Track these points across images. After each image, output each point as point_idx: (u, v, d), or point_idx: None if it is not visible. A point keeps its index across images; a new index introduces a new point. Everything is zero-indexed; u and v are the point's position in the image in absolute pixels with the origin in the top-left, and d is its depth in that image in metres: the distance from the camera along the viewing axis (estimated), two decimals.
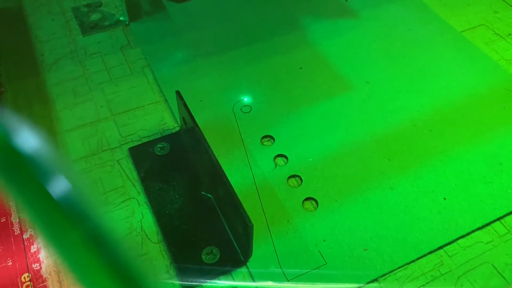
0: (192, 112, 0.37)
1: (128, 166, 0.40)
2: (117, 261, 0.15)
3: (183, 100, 0.38)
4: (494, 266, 0.34)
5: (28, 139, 0.14)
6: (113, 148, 0.41)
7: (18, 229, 0.36)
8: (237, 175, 0.39)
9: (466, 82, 0.47)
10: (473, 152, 0.41)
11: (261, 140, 0.42)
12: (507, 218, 0.37)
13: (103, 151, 0.41)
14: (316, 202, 0.37)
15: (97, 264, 0.15)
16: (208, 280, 0.33)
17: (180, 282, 0.33)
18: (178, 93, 0.38)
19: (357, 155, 0.40)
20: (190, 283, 0.32)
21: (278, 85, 0.46)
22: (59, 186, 0.14)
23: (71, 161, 0.38)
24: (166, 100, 0.45)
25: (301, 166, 0.40)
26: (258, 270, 0.33)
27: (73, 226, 0.14)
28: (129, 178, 0.39)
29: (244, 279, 0.33)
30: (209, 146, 0.35)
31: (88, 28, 0.52)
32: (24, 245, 0.35)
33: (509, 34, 0.52)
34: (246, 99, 0.44)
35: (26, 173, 0.14)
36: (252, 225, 0.31)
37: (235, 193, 0.32)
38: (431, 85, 0.46)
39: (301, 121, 0.43)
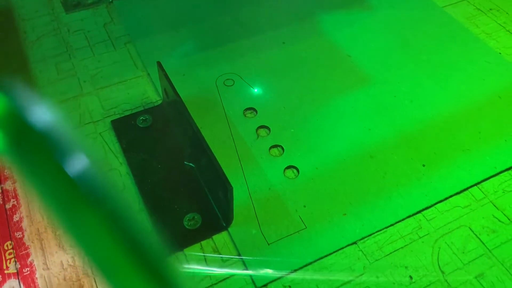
0: (175, 86, 0.37)
1: (110, 138, 0.40)
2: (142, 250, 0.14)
3: (164, 71, 0.38)
4: (471, 229, 0.35)
5: (39, 113, 0.13)
6: (95, 121, 0.41)
7: (1, 199, 0.36)
8: (219, 146, 0.39)
9: (447, 55, 0.47)
10: (452, 121, 0.41)
11: (244, 112, 0.42)
12: (484, 184, 0.37)
13: (85, 124, 0.41)
14: (297, 170, 0.38)
15: (122, 252, 0.14)
16: (189, 245, 0.33)
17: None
18: (159, 64, 0.39)
19: (338, 126, 0.41)
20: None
21: (261, 59, 0.47)
22: (78, 164, 0.13)
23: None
24: (148, 74, 0.45)
25: (283, 136, 0.40)
26: (239, 234, 0.34)
27: (94, 209, 0.13)
28: (111, 150, 0.39)
29: (225, 244, 0.34)
30: (190, 116, 0.35)
31: (71, 6, 0.52)
32: (6, 215, 0.35)
33: (490, 9, 0.53)
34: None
35: (43, 153, 0.13)
36: (232, 188, 0.31)
37: (215, 158, 0.32)
38: (412, 58, 0.47)
39: (283, 94, 0.44)
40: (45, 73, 0.45)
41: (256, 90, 0.43)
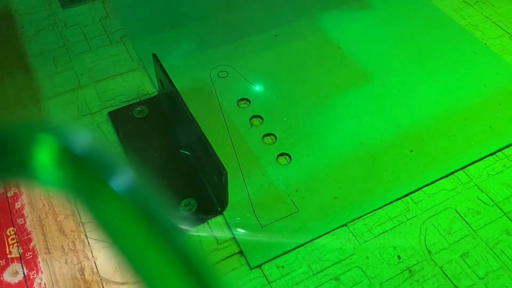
0: (171, 78, 0.38)
1: (108, 129, 0.41)
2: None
3: (160, 62, 0.39)
4: (456, 211, 0.36)
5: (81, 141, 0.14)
6: (93, 113, 0.42)
7: (2, 188, 0.37)
8: (214, 135, 0.40)
9: (434, 46, 0.49)
10: (440, 109, 0.43)
11: (237, 103, 0.43)
12: (469, 168, 0.39)
13: (83, 115, 0.42)
14: (290, 157, 0.39)
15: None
16: (186, 228, 0.34)
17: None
18: (154, 55, 0.40)
19: (328, 115, 0.42)
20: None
21: (254, 52, 0.48)
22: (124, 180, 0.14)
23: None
24: (144, 67, 0.46)
25: (276, 125, 0.42)
26: (233, 218, 0.35)
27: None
28: (109, 140, 0.40)
29: (220, 227, 0.35)
30: (185, 104, 0.37)
31: (67, 1, 0.53)
32: (8, 202, 0.36)
33: (477, 2, 0.54)
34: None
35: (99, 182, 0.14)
36: (226, 172, 0.32)
37: (210, 144, 0.34)
38: (400, 50, 0.48)
39: (276, 85, 0.45)
40: (43, 66, 0.46)
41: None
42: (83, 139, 0.14)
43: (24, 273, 0.33)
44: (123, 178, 0.14)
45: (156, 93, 0.44)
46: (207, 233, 0.35)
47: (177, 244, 0.14)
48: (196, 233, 0.34)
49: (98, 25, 0.51)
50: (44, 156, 0.14)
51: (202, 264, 0.15)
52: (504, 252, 0.34)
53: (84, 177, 0.14)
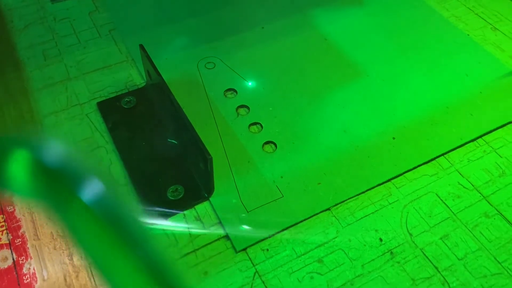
0: (158, 70, 0.39)
1: (96, 119, 0.42)
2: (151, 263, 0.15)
3: (146, 53, 0.40)
4: (437, 195, 0.37)
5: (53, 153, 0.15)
6: (82, 104, 0.43)
7: None
8: (201, 124, 0.41)
9: (418, 37, 0.50)
10: (422, 97, 0.44)
11: (224, 93, 0.44)
12: (451, 154, 0.40)
13: (72, 106, 0.43)
14: (275, 145, 0.40)
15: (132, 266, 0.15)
16: (174, 213, 0.35)
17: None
18: (141, 46, 0.40)
19: (313, 104, 0.43)
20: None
21: (241, 44, 0.49)
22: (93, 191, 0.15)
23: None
24: (133, 59, 0.47)
25: (262, 114, 0.42)
26: (220, 204, 0.36)
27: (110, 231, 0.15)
28: (97, 130, 0.41)
29: (207, 212, 0.36)
30: (171, 93, 0.37)
31: None
32: None
33: None
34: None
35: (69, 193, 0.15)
36: (211, 158, 0.33)
37: (195, 132, 0.34)
38: (384, 41, 0.49)
39: (262, 76, 0.46)
40: (33, 59, 0.47)
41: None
42: (55, 152, 0.15)
43: (13, 259, 0.33)
44: (91, 189, 0.15)
45: (144, 84, 0.45)
46: (193, 218, 0.35)
47: (144, 249, 0.15)
48: (185, 221, 0.35)
49: (87, 18, 0.51)
50: (17, 168, 0.15)
51: (168, 269, 0.16)
52: (482, 234, 0.35)
53: (54, 188, 0.15)
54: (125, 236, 0.15)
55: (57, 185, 0.15)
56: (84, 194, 0.15)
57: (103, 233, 0.15)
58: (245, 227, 0.35)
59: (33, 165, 0.15)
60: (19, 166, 0.15)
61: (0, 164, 0.15)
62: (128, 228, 0.16)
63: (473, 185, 0.38)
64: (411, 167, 0.39)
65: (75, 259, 0.33)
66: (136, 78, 0.45)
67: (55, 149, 0.15)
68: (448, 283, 0.32)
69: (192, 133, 0.35)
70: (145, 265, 0.15)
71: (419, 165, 0.39)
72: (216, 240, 0.34)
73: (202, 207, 0.36)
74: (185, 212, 0.36)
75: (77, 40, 0.49)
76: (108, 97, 0.43)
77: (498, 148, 0.40)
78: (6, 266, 0.33)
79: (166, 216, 0.35)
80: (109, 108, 0.42)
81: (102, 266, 0.15)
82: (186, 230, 0.35)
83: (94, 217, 0.15)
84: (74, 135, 0.40)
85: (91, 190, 0.15)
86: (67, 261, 0.33)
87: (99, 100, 0.43)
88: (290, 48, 0.48)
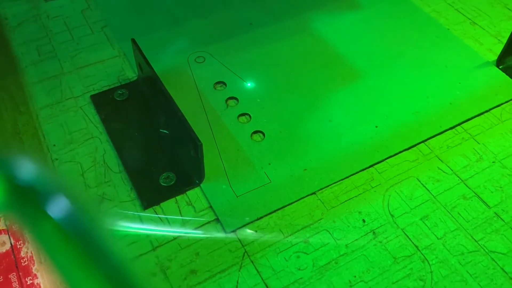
0: (150, 63, 0.41)
1: (90, 111, 0.43)
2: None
3: (138, 46, 0.41)
4: (418, 179, 0.39)
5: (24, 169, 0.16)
6: (76, 97, 0.44)
7: None
8: (191, 116, 0.43)
9: (400, 31, 0.52)
10: (404, 88, 0.46)
11: (214, 86, 0.46)
12: (431, 141, 0.42)
13: (66, 99, 0.44)
14: (263, 134, 0.42)
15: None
16: (166, 199, 0.37)
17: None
18: (133, 40, 0.42)
19: (300, 95, 0.45)
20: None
21: (229, 38, 0.50)
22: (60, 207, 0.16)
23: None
24: (125, 54, 0.48)
25: (251, 106, 0.44)
26: (210, 189, 0.37)
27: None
28: (91, 121, 0.42)
29: (198, 198, 0.37)
30: (162, 84, 0.39)
31: None
32: None
33: None
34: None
35: (37, 207, 0.15)
36: (201, 144, 0.35)
37: (185, 120, 0.36)
38: (367, 35, 0.51)
39: (251, 68, 0.47)
40: (27, 55, 0.48)
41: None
42: (26, 170, 0.16)
43: (11, 243, 0.34)
44: (60, 205, 0.16)
45: (136, 78, 0.46)
46: (185, 203, 0.37)
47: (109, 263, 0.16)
48: (177, 206, 0.37)
49: (79, 16, 0.53)
50: None
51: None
52: (460, 215, 0.37)
53: (25, 204, 0.16)
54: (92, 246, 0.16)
55: (25, 201, 0.16)
56: (51, 209, 0.16)
57: (72, 247, 0.16)
58: (235, 210, 0.36)
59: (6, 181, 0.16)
60: None
61: None
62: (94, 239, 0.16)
63: (452, 170, 0.40)
64: (393, 153, 0.40)
65: None
66: (128, 72, 0.47)
67: (26, 165, 0.16)
68: (427, 261, 0.34)
69: (183, 121, 0.36)
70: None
71: (400, 152, 0.41)
72: (206, 223, 0.36)
73: (193, 193, 0.38)
74: (177, 197, 0.37)
75: (71, 37, 0.50)
76: (101, 90, 0.45)
77: (476, 135, 0.42)
78: (4, 251, 0.34)
79: (158, 200, 0.37)
80: (102, 101, 0.44)
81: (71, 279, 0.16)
82: (178, 214, 0.36)
83: (62, 233, 0.16)
84: (69, 126, 0.42)
85: (58, 205, 0.16)
86: None
87: (93, 93, 0.44)
88: (276, 42, 0.50)
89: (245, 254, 0.34)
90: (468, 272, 0.33)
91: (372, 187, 0.38)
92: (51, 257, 0.16)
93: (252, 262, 0.34)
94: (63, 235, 0.16)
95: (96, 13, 0.53)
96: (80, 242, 0.16)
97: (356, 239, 0.35)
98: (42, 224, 0.16)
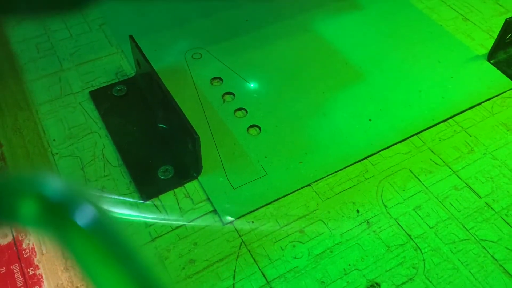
0: (148, 60, 0.41)
1: (89, 106, 0.44)
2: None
3: (136, 43, 0.42)
4: (411, 171, 0.40)
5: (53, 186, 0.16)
6: (75, 93, 0.45)
7: None
8: (189, 110, 0.43)
9: (394, 27, 0.52)
10: (397, 82, 0.46)
11: (210, 81, 0.47)
12: (423, 133, 0.43)
13: (66, 95, 0.45)
14: (260, 128, 0.42)
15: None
16: (164, 192, 0.37)
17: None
18: (131, 37, 0.43)
19: (295, 90, 0.46)
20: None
21: (226, 35, 0.51)
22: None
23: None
24: (123, 51, 0.49)
25: (247, 101, 0.45)
26: (208, 182, 0.38)
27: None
28: (90, 116, 0.43)
29: (195, 190, 0.38)
30: (160, 79, 0.40)
31: None
32: None
33: None
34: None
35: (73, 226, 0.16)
36: (199, 137, 0.35)
37: (183, 113, 0.37)
38: (362, 31, 0.52)
39: (247, 64, 0.48)
40: (26, 52, 0.49)
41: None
42: (56, 188, 0.17)
43: (13, 235, 0.35)
44: (87, 217, 0.16)
45: (134, 74, 0.47)
46: (183, 195, 0.38)
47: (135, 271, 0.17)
48: (175, 198, 0.37)
49: (77, 14, 0.53)
50: (26, 204, 0.17)
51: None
52: (452, 205, 0.38)
53: (55, 220, 0.16)
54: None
55: (56, 216, 0.17)
56: (78, 219, 0.16)
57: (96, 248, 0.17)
58: (232, 202, 0.37)
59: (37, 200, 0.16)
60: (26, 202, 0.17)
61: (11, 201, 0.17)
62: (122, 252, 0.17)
63: (444, 161, 0.41)
64: (386, 146, 0.41)
65: None
66: (126, 68, 0.48)
67: (55, 184, 0.17)
68: (420, 249, 0.35)
69: (180, 115, 0.37)
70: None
71: (393, 144, 0.42)
72: (204, 215, 0.37)
73: (191, 186, 0.38)
74: (175, 190, 0.38)
75: (69, 34, 0.51)
76: (100, 87, 0.45)
77: (468, 128, 0.43)
78: (6, 242, 0.35)
79: (157, 193, 0.38)
80: (101, 97, 0.44)
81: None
82: (177, 206, 0.37)
83: (93, 242, 0.16)
84: (69, 121, 0.43)
85: (84, 215, 0.16)
86: None
87: (91, 89, 0.45)
88: (272, 38, 0.51)
89: (242, 243, 0.35)
90: (459, 260, 0.34)
91: (366, 179, 0.39)
92: (83, 267, 0.16)
93: (249, 251, 0.35)
94: (93, 245, 0.16)
95: (94, 11, 0.54)
96: (108, 249, 0.16)
97: (351, 229, 0.36)
98: (74, 237, 0.16)
